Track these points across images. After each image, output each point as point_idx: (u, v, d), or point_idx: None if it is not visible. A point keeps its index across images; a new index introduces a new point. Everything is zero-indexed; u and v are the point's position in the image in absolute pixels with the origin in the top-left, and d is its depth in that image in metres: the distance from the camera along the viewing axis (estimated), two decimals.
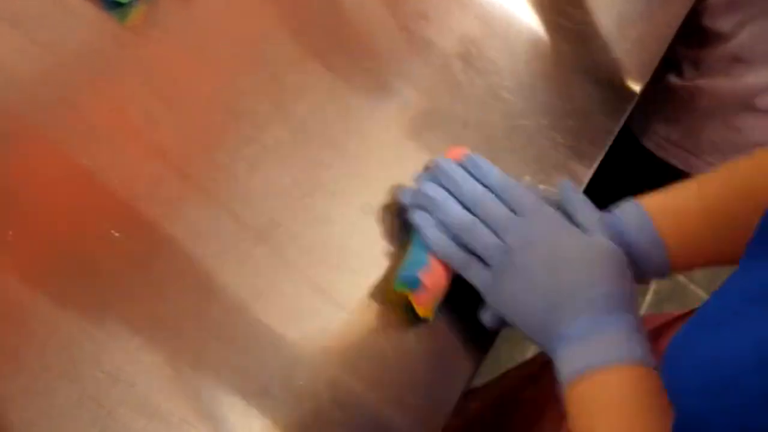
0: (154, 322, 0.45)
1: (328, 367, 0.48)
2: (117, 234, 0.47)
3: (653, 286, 1.83)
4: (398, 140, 0.58)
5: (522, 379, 0.68)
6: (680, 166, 0.84)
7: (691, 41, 0.79)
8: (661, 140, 0.85)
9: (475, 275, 0.47)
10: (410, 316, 0.49)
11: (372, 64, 0.61)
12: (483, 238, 0.47)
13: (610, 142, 0.64)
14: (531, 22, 0.70)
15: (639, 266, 0.48)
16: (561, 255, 0.45)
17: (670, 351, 0.35)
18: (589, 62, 0.69)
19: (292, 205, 0.52)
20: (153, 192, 0.49)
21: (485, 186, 0.49)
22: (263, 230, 0.50)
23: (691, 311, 0.42)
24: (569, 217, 0.48)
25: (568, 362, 0.42)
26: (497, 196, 0.48)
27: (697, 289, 1.88)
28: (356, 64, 0.60)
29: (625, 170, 0.65)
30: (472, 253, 0.47)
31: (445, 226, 0.48)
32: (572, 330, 0.42)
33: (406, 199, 0.51)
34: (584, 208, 0.48)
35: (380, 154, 0.56)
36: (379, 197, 0.54)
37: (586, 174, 0.61)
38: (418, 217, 0.49)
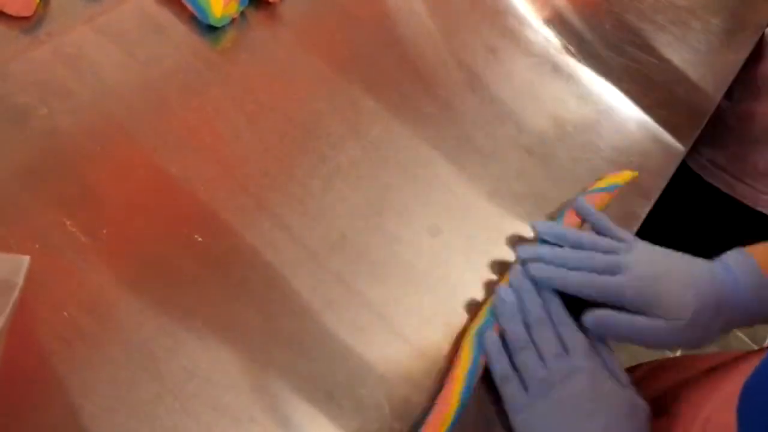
0: (229, 324, 0.46)
1: (390, 378, 0.47)
2: (200, 239, 0.48)
3: None
4: (464, 165, 0.58)
5: None
6: (724, 189, 0.82)
7: (744, 65, 0.78)
8: (706, 163, 0.83)
9: (511, 393, 0.48)
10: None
11: (443, 92, 0.62)
12: (532, 363, 0.48)
13: (665, 184, 0.64)
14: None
15: (748, 310, 0.48)
16: (593, 403, 0.46)
17: (745, 392, 0.34)
18: (652, 99, 0.69)
19: (362, 223, 0.52)
20: (234, 201, 0.50)
21: (547, 311, 0.50)
22: (335, 244, 0.51)
23: (761, 350, 0.40)
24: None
25: None
26: (554, 325, 0.49)
27: (738, 332, 1.82)
28: (428, 92, 0.61)
29: (670, 190, 0.64)
30: (515, 368, 0.48)
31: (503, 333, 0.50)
32: None
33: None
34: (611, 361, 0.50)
35: (447, 179, 0.57)
36: (445, 220, 0.54)
37: (645, 207, 0.61)
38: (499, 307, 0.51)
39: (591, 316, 0.50)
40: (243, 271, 0.48)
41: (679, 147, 0.67)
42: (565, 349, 0.48)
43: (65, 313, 0.43)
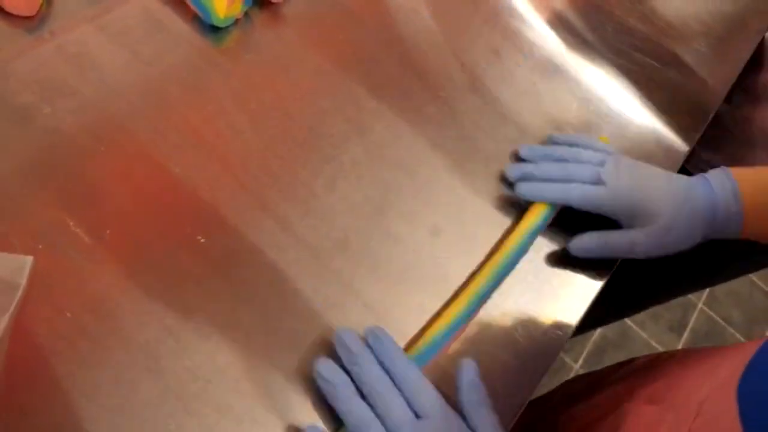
0: (232, 324, 0.45)
1: None
2: (202, 239, 0.47)
3: (690, 325, 1.78)
4: (465, 165, 0.58)
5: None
6: None
7: (745, 69, 0.78)
8: (703, 164, 0.84)
9: None
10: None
11: (445, 92, 0.61)
12: None
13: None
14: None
15: (716, 222, 0.52)
16: None
17: (748, 373, 0.34)
18: (653, 101, 0.68)
19: (363, 223, 0.52)
20: (236, 201, 0.50)
21: (386, 370, 0.44)
22: (337, 244, 0.50)
23: (759, 339, 0.40)
24: None
25: None
26: (397, 386, 0.43)
27: (735, 333, 1.83)
28: (430, 92, 0.61)
29: None
30: None
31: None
32: None
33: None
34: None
35: (448, 179, 0.56)
36: (446, 220, 0.54)
37: None
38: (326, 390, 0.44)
39: (570, 244, 0.54)
40: (245, 271, 0.48)
41: (680, 148, 0.67)
42: (417, 415, 0.42)
43: (68, 314, 0.43)
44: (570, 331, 0.53)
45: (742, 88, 0.80)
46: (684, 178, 0.55)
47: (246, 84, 0.55)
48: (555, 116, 0.64)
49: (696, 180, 0.54)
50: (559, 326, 0.53)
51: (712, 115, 0.70)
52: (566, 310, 0.54)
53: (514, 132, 0.61)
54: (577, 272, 0.55)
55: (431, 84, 0.61)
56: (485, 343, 0.50)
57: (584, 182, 0.53)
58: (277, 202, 0.51)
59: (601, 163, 0.54)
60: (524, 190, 0.55)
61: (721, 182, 0.53)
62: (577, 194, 0.53)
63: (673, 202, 0.52)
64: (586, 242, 0.53)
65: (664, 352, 0.59)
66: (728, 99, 0.79)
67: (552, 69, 0.67)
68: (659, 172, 0.55)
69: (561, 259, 0.55)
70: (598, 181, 0.53)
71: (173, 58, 0.54)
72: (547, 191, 0.54)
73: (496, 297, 0.52)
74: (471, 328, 0.50)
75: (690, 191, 0.53)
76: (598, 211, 0.53)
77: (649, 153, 0.65)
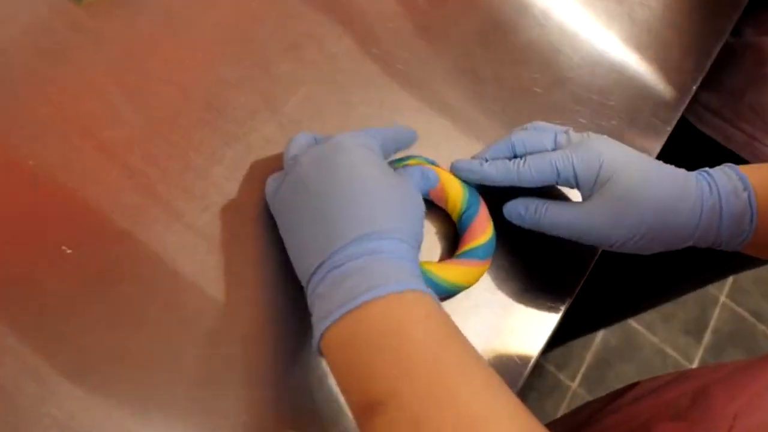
0: (116, 357, 0.44)
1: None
2: (69, 250, 0.46)
3: (711, 324, 1.80)
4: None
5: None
6: (717, 139, 0.89)
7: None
8: (700, 108, 0.90)
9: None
10: None
11: (380, 50, 0.60)
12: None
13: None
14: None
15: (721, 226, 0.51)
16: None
17: None
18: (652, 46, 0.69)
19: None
20: (113, 201, 0.48)
21: None
22: (245, 246, 0.49)
23: None
24: None
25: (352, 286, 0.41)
26: None
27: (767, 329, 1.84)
28: (362, 49, 0.59)
29: (667, 147, 0.69)
30: None
31: None
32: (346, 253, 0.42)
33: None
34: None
35: None
36: None
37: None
38: None
39: (504, 207, 0.53)
40: (130, 288, 0.46)
41: (685, 87, 0.70)
42: None
43: None
44: (529, 363, 0.53)
45: (754, 18, 0.85)
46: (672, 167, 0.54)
47: (122, 50, 0.53)
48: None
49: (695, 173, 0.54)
50: (518, 356, 0.53)
51: (716, 53, 0.74)
52: (525, 338, 0.54)
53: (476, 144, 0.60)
54: (538, 297, 0.55)
55: (364, 38, 0.60)
56: None
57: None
58: (167, 198, 0.49)
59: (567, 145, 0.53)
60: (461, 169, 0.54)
61: (726, 175, 0.53)
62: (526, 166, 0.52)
63: (657, 175, 0.51)
64: (514, 207, 0.53)
65: (688, 370, 0.60)
66: (736, 31, 0.86)
67: (542, 16, 0.67)
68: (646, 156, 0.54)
69: (519, 286, 0.55)
70: (555, 147, 0.53)
71: (21, 22, 0.52)
72: (490, 169, 0.53)
73: None
74: None
75: (683, 176, 0.53)
76: (552, 178, 0.52)
77: (649, 96, 0.65)
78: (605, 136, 0.53)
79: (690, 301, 1.79)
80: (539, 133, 0.54)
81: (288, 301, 0.48)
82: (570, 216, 0.51)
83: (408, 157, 0.53)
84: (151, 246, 0.47)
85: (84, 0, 0.54)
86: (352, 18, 0.61)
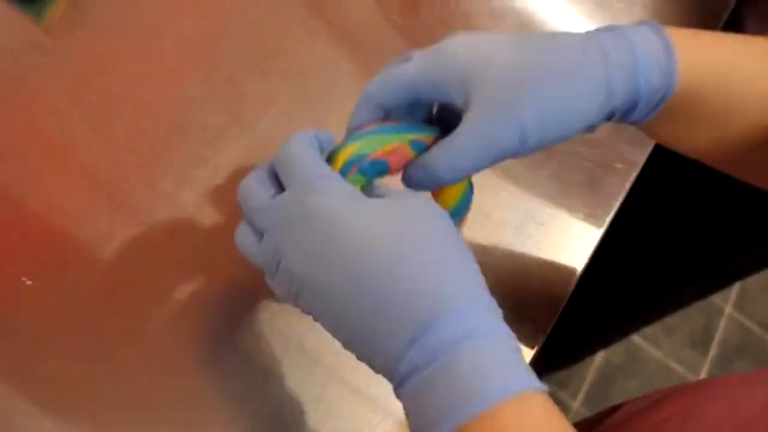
0: (78, 393, 0.44)
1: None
2: (29, 282, 0.46)
3: (717, 336, 1.81)
4: None
5: None
6: None
7: None
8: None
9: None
10: None
11: (354, 64, 0.61)
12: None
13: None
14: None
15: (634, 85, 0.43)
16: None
17: None
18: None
19: None
20: (75, 228, 0.49)
21: None
22: (220, 273, 0.50)
23: None
24: None
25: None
26: None
27: None
28: (334, 63, 0.60)
29: None
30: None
31: None
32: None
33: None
34: None
35: None
36: None
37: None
38: None
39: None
40: (96, 321, 0.46)
41: None
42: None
43: None
44: None
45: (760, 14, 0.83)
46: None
47: (82, 71, 0.54)
48: None
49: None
50: None
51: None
52: None
53: None
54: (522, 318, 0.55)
55: (338, 51, 0.61)
56: None
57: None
58: (130, 225, 0.50)
59: None
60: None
61: (645, 36, 0.44)
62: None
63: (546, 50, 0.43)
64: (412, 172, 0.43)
65: (693, 381, 0.60)
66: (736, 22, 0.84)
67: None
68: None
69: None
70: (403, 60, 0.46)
71: None
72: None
73: None
74: None
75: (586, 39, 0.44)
76: (410, 96, 0.46)
77: None
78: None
79: (693, 312, 1.79)
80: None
81: (262, 329, 0.48)
82: (456, 150, 0.42)
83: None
84: (118, 274, 0.48)
85: (44, 18, 0.54)
86: (323, 30, 0.62)
